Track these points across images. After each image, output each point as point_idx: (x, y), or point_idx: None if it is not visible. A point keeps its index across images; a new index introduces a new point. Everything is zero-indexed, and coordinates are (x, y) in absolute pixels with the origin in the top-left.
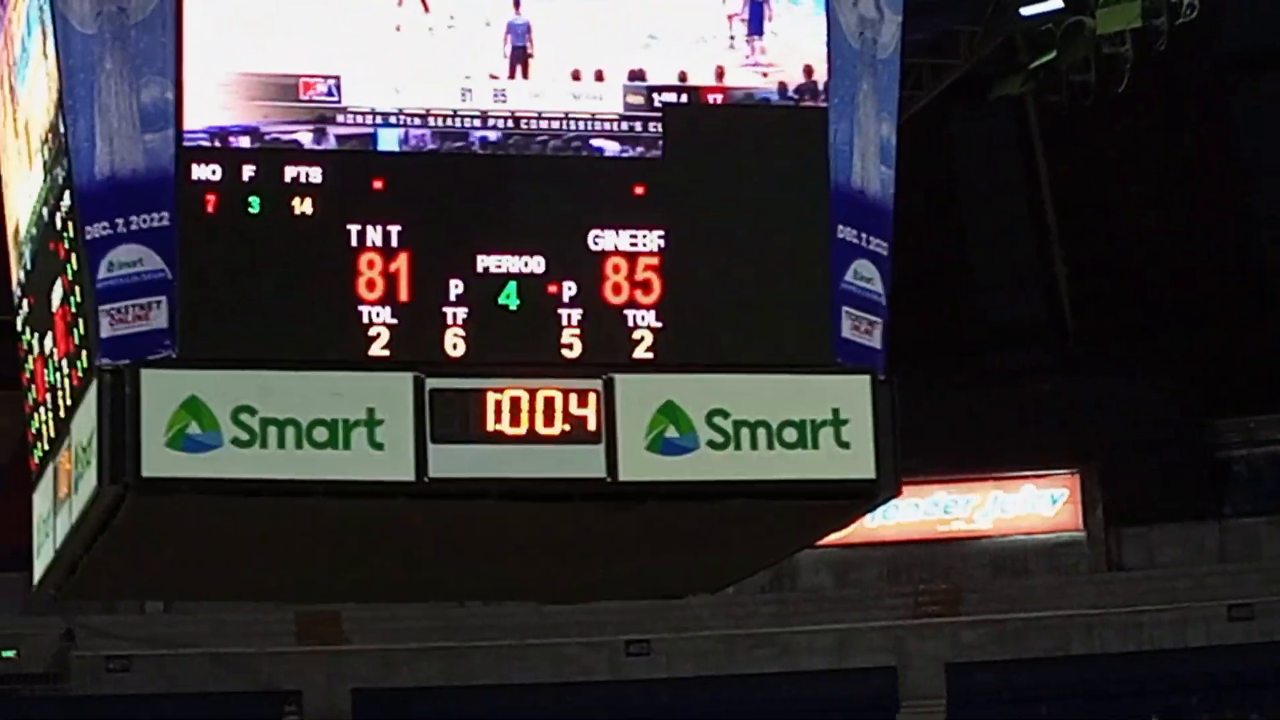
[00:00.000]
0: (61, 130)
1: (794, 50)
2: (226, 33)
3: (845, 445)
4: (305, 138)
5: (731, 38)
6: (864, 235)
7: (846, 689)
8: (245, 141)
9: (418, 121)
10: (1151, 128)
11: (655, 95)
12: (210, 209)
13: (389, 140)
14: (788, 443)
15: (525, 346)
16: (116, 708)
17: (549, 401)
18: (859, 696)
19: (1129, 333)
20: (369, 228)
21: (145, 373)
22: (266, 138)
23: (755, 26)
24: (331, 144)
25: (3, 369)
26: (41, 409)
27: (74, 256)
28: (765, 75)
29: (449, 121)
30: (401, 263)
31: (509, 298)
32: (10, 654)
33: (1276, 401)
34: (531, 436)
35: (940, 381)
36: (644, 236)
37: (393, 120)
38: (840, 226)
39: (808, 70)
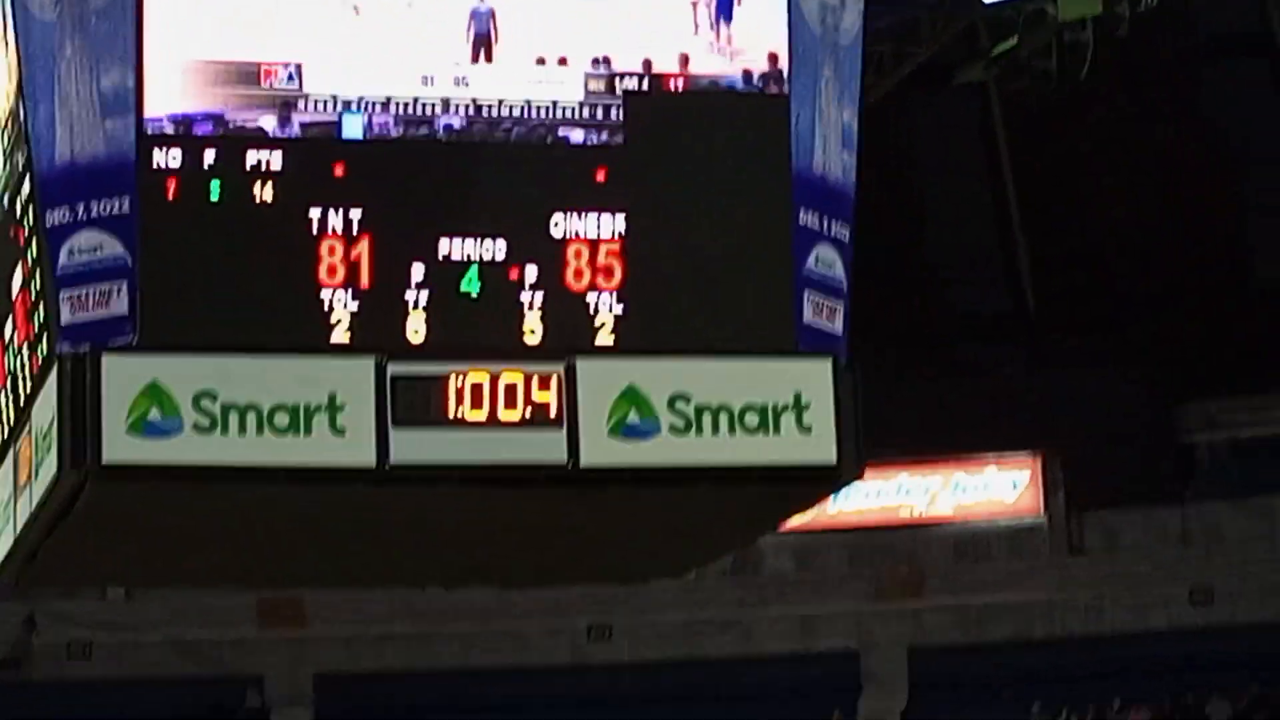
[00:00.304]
0: (21, 117)
1: (759, 37)
2: (187, 19)
3: (807, 429)
4: (269, 124)
5: (697, 24)
6: (826, 220)
7: (809, 673)
8: (208, 128)
9: (380, 108)
10: (1118, 117)
11: (617, 81)
12: (171, 195)
13: (354, 127)
14: (749, 427)
15: (487, 332)
16: (78, 693)
17: (510, 387)
18: (821, 680)
19: (1095, 323)
20: (330, 212)
21: (106, 358)
22: (230, 125)
23: (725, 12)
24: (296, 131)
25: None
26: (1, 395)
27: (34, 242)
28: (731, 62)
29: (411, 109)
30: (363, 248)
31: (470, 283)
32: None
33: (1239, 387)
34: (493, 422)
35: (908, 372)
36: (606, 221)
37: (354, 107)
38: (802, 212)
39: (772, 58)
